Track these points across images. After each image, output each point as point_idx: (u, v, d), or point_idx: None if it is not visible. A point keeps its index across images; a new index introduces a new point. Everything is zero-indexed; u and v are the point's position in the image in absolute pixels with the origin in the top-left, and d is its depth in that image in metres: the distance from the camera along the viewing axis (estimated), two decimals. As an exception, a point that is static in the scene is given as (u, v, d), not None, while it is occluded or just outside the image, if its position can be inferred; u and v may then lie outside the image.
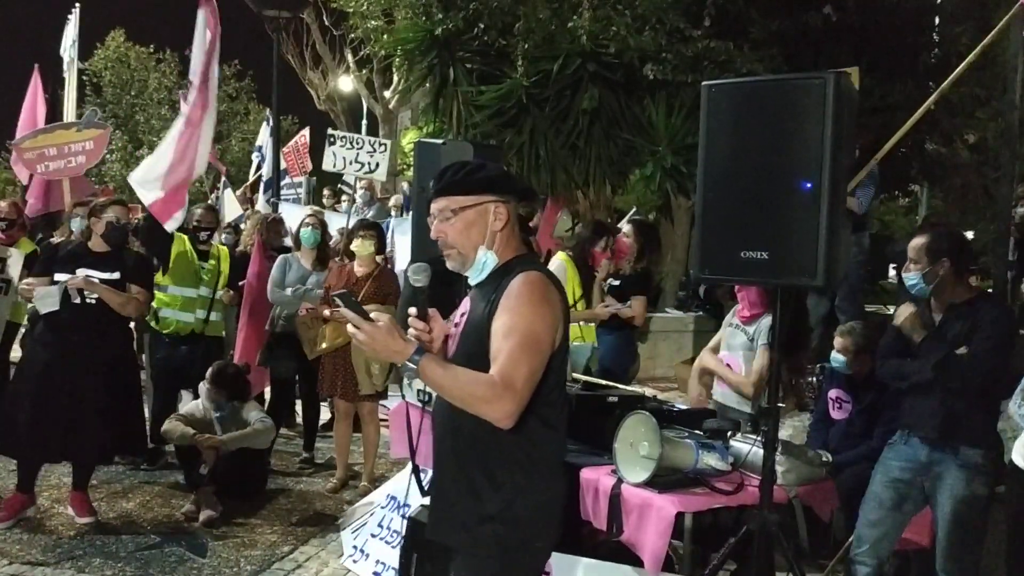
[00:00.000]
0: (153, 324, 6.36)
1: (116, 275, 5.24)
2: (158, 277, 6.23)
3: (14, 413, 5.18)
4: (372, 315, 2.30)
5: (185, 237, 6.43)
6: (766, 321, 4.57)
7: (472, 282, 2.52)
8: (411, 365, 2.27)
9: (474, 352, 2.37)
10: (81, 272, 5.15)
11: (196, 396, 5.99)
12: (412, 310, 2.48)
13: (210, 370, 5.83)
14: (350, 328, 2.30)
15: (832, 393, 4.97)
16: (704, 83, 3.36)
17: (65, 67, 14.23)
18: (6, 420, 5.22)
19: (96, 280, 5.15)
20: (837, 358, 4.87)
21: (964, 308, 3.71)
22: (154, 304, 6.26)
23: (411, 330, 2.39)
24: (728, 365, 4.79)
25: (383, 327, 2.27)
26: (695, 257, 3.47)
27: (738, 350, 4.72)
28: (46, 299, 5.11)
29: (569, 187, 8.33)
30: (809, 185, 3.07)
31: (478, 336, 2.38)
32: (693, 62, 7.30)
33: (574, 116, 7.77)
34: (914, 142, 8.58)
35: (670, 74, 7.29)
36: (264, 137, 15.17)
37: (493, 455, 2.38)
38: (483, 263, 2.45)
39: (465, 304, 2.56)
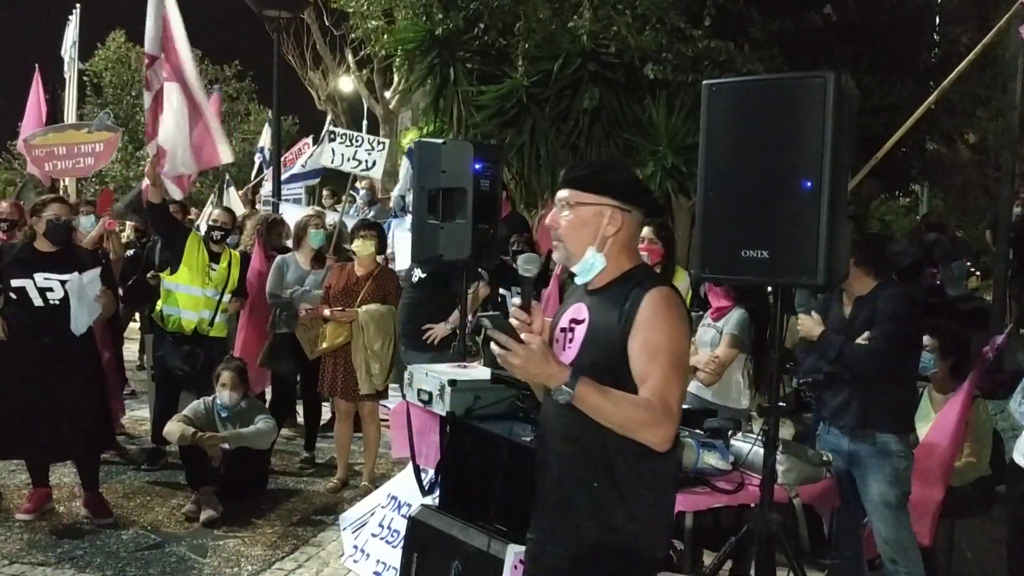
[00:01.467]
0: (158, 323, 6.35)
1: (75, 275, 5.19)
2: (166, 275, 6.24)
3: None
4: (524, 337, 2.25)
5: (200, 236, 6.44)
6: (735, 314, 4.61)
7: (578, 281, 2.50)
8: (567, 389, 2.22)
9: (600, 363, 2.34)
10: (39, 277, 5.10)
11: (198, 397, 5.97)
12: (515, 300, 2.44)
13: (225, 373, 5.81)
14: (497, 350, 2.25)
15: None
16: (705, 82, 3.36)
17: (66, 67, 14.25)
18: None
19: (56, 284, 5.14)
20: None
21: (867, 298, 3.95)
22: (160, 301, 6.28)
23: (512, 319, 2.31)
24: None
25: (537, 350, 2.23)
26: (695, 256, 3.47)
27: (707, 346, 4.71)
28: (80, 296, 5.14)
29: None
30: (810, 184, 3.06)
31: (606, 348, 2.35)
32: (693, 62, 7.28)
33: (574, 116, 7.76)
34: (915, 142, 8.57)
35: (670, 74, 7.28)
36: (267, 138, 15.20)
37: (620, 469, 2.36)
38: (591, 264, 2.43)
39: (578, 311, 2.49)
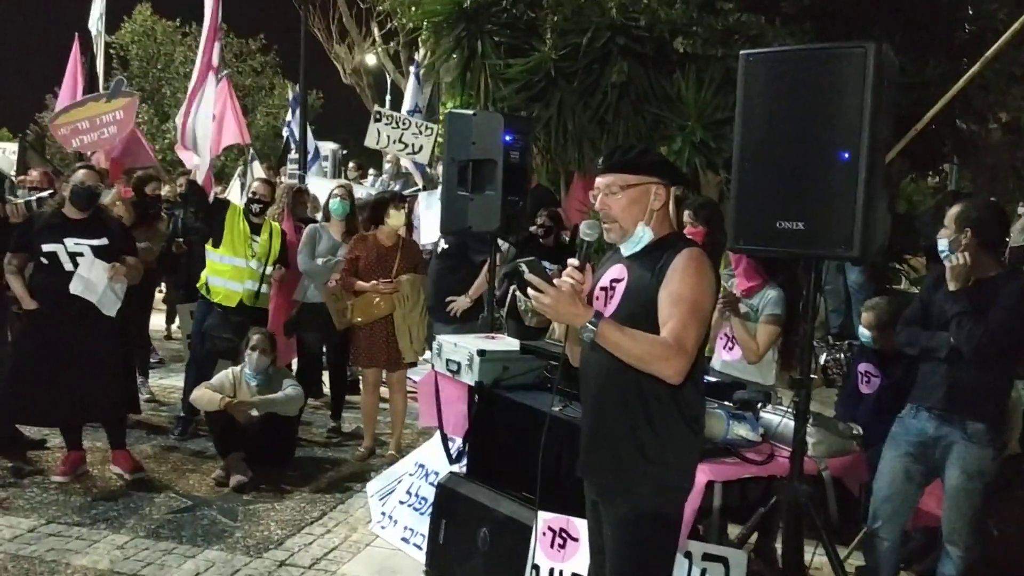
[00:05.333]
0: (204, 293, 6.42)
1: (104, 240, 5.33)
2: (209, 246, 6.31)
3: (21, 384, 5.28)
4: (556, 281, 2.53)
5: (240, 208, 6.49)
6: (771, 293, 4.59)
7: (625, 253, 2.79)
8: (590, 327, 2.51)
9: (637, 314, 2.64)
10: (69, 242, 5.22)
11: (236, 365, 6.03)
12: (573, 261, 2.64)
13: (256, 337, 5.87)
14: (532, 292, 2.53)
15: (861, 367, 4.98)
16: (742, 52, 3.33)
17: (93, 40, 14.32)
18: (15, 392, 5.32)
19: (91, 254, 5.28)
20: (864, 333, 4.89)
21: (988, 285, 3.68)
22: (205, 272, 6.35)
23: (567, 277, 2.57)
24: (726, 335, 4.76)
25: (567, 292, 2.53)
26: (729, 228, 3.46)
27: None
28: (90, 290, 5.23)
29: (596, 162, 8.27)
30: (847, 155, 3.04)
31: (642, 299, 2.65)
32: (723, 36, 7.20)
33: (602, 90, 7.69)
34: (946, 119, 8.45)
35: (700, 48, 7.19)
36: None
37: (654, 407, 2.65)
38: (640, 237, 2.74)
39: (617, 271, 2.78)
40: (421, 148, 7.93)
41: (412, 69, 11.39)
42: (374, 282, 5.97)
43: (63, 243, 5.23)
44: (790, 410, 3.53)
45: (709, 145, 7.31)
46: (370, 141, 7.95)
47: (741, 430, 3.51)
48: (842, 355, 5.98)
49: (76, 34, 11.43)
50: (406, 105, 11.29)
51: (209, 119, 6.71)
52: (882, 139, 3.13)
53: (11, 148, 12.72)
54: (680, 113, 7.51)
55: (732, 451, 3.49)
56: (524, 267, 2.57)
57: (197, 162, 6.68)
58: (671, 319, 2.56)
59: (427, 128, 7.99)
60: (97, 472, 5.57)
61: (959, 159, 10.68)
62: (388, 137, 7.86)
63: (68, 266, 5.22)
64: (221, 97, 9.80)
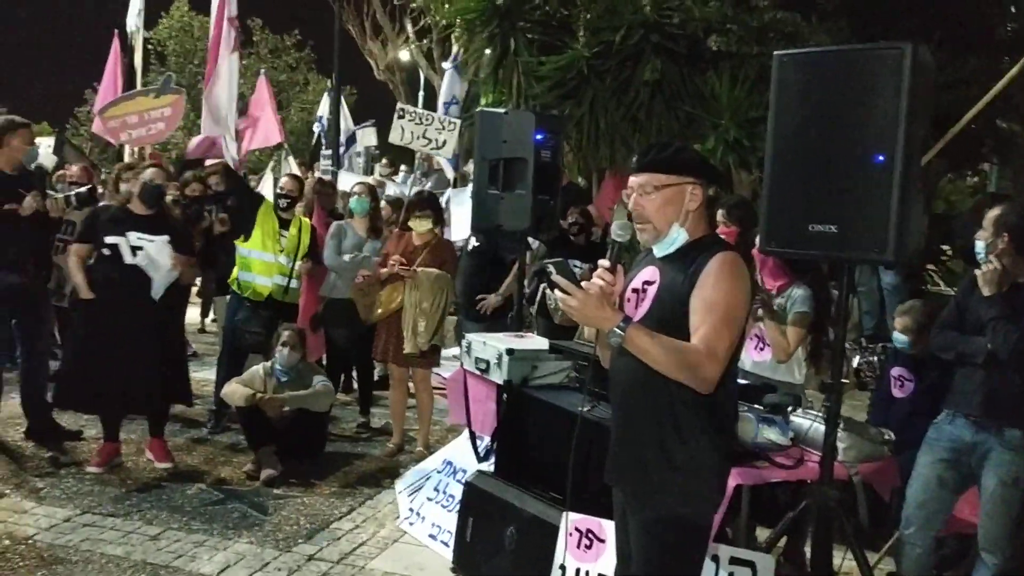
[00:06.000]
0: (235, 287, 6.50)
1: (165, 237, 5.48)
2: (239, 242, 6.39)
3: (75, 370, 5.48)
4: (584, 283, 2.47)
5: (271, 203, 6.57)
6: (799, 292, 4.52)
7: (658, 254, 2.70)
8: (618, 331, 2.45)
9: (668, 319, 2.56)
10: (132, 235, 5.40)
11: (266, 360, 6.09)
12: (603, 262, 2.58)
13: (286, 332, 5.93)
14: (559, 294, 2.47)
15: (895, 371, 4.91)
16: (775, 53, 3.31)
17: (130, 36, 14.52)
18: (69, 378, 5.53)
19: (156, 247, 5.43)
20: (899, 337, 4.81)
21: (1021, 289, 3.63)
22: (236, 268, 6.43)
23: (596, 279, 2.52)
24: (756, 335, 4.71)
25: (594, 294, 2.46)
26: (761, 230, 3.44)
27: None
28: (152, 267, 5.42)
29: (628, 160, 8.25)
30: (882, 158, 3.01)
31: (673, 304, 2.57)
32: (758, 33, 7.16)
33: (635, 87, 7.68)
34: (985, 118, 8.31)
35: (734, 46, 7.17)
36: (325, 108, 15.33)
37: (683, 414, 2.57)
38: (674, 239, 2.65)
39: (649, 273, 2.70)
40: (444, 143, 7.95)
41: (450, 61, 11.39)
42: (391, 261, 5.98)
43: (126, 236, 5.41)
44: (820, 414, 3.49)
45: (743, 143, 7.27)
46: (394, 137, 7.99)
47: (771, 434, 3.48)
48: (875, 358, 5.91)
49: (115, 31, 11.60)
50: (443, 96, 11.29)
51: (225, 95, 6.79)
52: (918, 142, 3.09)
53: (48, 142, 12.94)
54: (713, 111, 7.47)
55: (761, 455, 3.47)
56: (551, 267, 2.51)
57: (216, 132, 6.76)
58: (703, 325, 2.49)
59: (450, 123, 8.01)
60: (131, 463, 5.66)
61: (999, 159, 10.50)
62: (412, 133, 7.88)
63: (128, 258, 5.39)
64: (260, 96, 9.92)
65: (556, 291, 2.49)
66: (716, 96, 7.42)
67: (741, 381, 4.04)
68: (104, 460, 5.51)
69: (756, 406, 3.70)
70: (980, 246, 3.74)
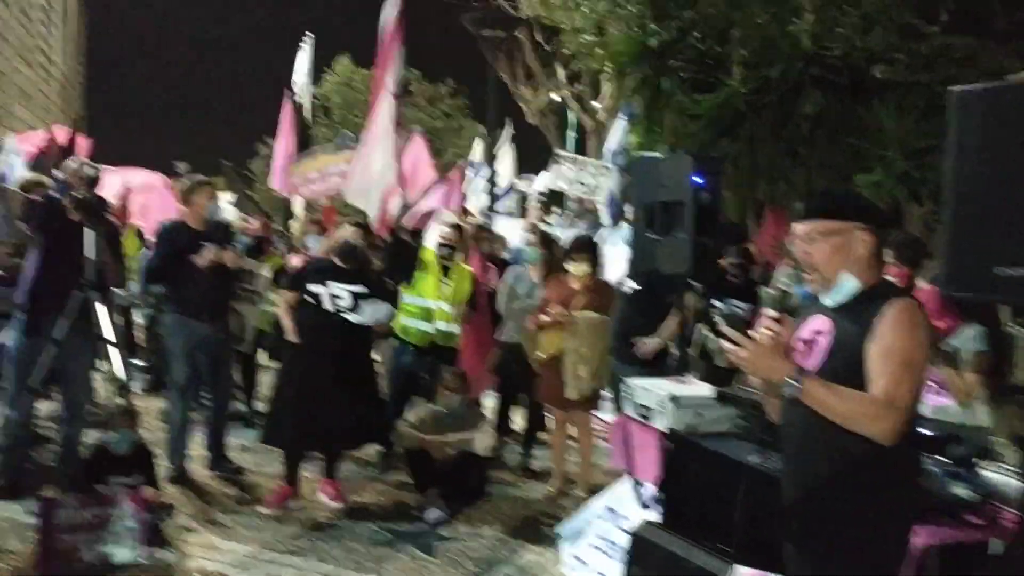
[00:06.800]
0: (399, 332, 6.75)
1: (362, 288, 5.84)
2: (404, 288, 6.67)
3: (282, 409, 5.86)
4: (752, 335, 2.47)
5: (432, 251, 6.82)
6: (972, 331, 4.30)
7: (828, 303, 2.63)
8: (793, 383, 2.42)
9: (841, 370, 2.48)
10: (332, 285, 5.80)
11: (430, 402, 6.29)
12: (770, 312, 2.57)
13: (448, 376, 6.14)
14: (727, 345, 2.48)
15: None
16: (951, 88, 3.15)
17: (298, 93, 15.40)
18: (276, 415, 5.92)
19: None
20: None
21: None
22: (400, 314, 6.69)
23: (764, 330, 2.50)
24: (932, 380, 4.45)
25: (766, 345, 2.46)
26: (941, 272, 3.26)
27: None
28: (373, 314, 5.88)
29: (790, 196, 8.05)
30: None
31: (849, 354, 2.49)
32: (927, 61, 6.84)
33: (795, 122, 7.50)
34: None
35: (902, 74, 6.87)
36: (478, 152, 15.74)
37: (861, 468, 2.48)
38: (844, 287, 2.58)
39: (819, 323, 2.63)
40: (598, 188, 8.07)
41: (623, 111, 11.43)
42: (550, 308, 6.05)
43: (326, 285, 5.79)
44: (1012, 468, 3.25)
45: (912, 175, 6.93)
46: (551, 182, 8.16)
47: (958, 489, 3.26)
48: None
49: (284, 88, 12.34)
50: (610, 144, 11.29)
51: (379, 155, 7.04)
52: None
53: (226, 197, 13.87)
54: (879, 143, 7.17)
55: (949, 512, 3.25)
56: (721, 318, 2.52)
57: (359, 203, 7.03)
58: (882, 375, 2.41)
59: (604, 169, 8.15)
60: (305, 503, 5.92)
61: None
62: (568, 178, 8.05)
63: (327, 305, 5.78)
64: (411, 154, 10.16)
65: (726, 344, 2.46)
66: (882, 127, 7.13)
67: (922, 431, 3.84)
68: (279, 501, 5.77)
69: (940, 458, 3.48)
70: None
